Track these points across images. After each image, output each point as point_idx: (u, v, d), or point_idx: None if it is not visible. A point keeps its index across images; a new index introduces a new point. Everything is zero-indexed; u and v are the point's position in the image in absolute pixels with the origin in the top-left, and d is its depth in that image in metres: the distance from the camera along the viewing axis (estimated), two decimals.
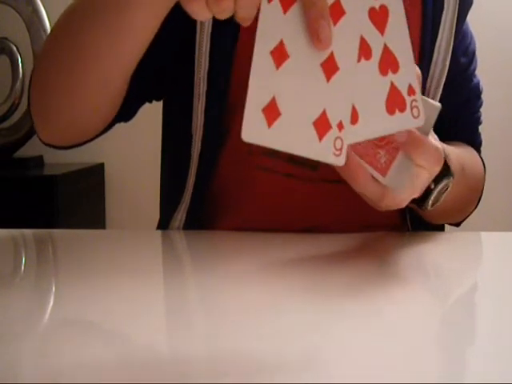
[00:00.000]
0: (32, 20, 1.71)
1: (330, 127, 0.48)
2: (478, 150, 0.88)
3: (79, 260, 0.65)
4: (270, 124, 0.46)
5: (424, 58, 0.79)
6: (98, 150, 1.89)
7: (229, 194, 0.78)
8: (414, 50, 0.51)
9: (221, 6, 0.47)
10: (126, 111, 0.74)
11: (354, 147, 0.59)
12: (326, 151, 0.48)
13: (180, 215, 0.78)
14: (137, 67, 0.68)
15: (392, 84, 0.50)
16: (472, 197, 0.85)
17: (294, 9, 0.47)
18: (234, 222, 0.78)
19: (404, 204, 0.63)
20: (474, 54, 0.87)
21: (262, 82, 0.46)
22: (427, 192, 0.66)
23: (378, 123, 0.51)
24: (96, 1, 0.66)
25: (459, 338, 0.44)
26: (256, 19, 0.47)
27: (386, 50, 0.50)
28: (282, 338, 0.42)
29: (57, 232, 0.86)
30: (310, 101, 0.48)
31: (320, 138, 0.48)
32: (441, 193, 0.67)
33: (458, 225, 0.87)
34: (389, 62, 0.50)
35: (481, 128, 0.89)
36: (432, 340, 0.44)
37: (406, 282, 0.56)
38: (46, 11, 1.72)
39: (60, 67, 0.69)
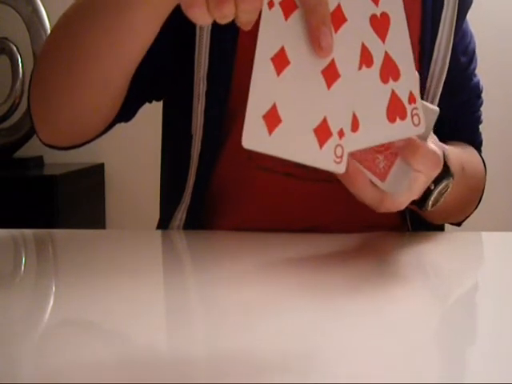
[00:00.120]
0: (32, 20, 1.71)
1: (330, 135, 0.48)
2: (479, 150, 0.88)
3: (79, 260, 0.65)
4: (270, 131, 0.46)
5: (424, 56, 0.79)
6: (98, 150, 1.90)
7: (229, 193, 0.78)
8: (413, 49, 0.51)
9: (222, 12, 0.47)
10: (126, 111, 0.74)
11: (352, 152, 0.59)
12: (326, 159, 0.48)
13: (180, 215, 0.78)
14: (137, 67, 0.68)
15: (393, 92, 0.50)
16: (473, 196, 0.85)
17: (296, 15, 0.47)
18: (234, 221, 0.78)
19: (403, 207, 0.63)
20: (473, 53, 0.87)
21: (263, 88, 0.46)
22: (427, 193, 0.66)
23: (378, 131, 0.51)
24: (96, 1, 0.66)
25: (460, 338, 0.44)
26: (257, 22, 0.47)
27: (387, 58, 0.50)
28: (283, 337, 0.42)
29: (57, 232, 0.86)
30: (310, 108, 0.48)
31: (321, 146, 0.48)
32: (441, 193, 0.67)
33: (459, 224, 0.87)
34: (390, 70, 0.50)
35: (481, 127, 0.89)
36: (433, 340, 0.44)
37: (406, 282, 0.56)
38: (46, 11, 1.72)
39: (60, 67, 0.69)
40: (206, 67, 0.74)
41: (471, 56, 0.87)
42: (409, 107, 0.51)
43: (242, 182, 0.77)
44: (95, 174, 1.91)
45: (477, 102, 0.88)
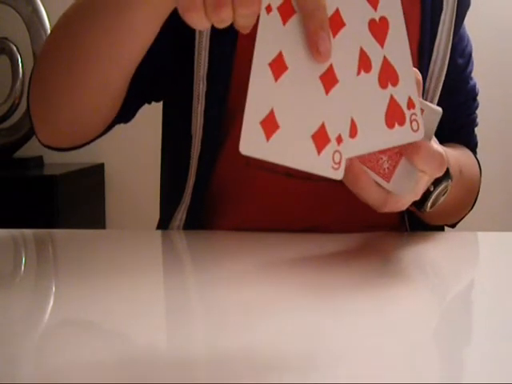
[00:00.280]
0: (32, 20, 1.71)
1: (328, 140, 0.48)
2: (474, 152, 0.88)
3: (79, 260, 0.65)
4: (268, 137, 0.46)
5: (423, 57, 0.79)
6: (98, 150, 1.90)
7: (228, 193, 0.78)
8: (412, 51, 0.51)
9: (220, 16, 0.47)
10: (126, 112, 0.74)
11: (364, 155, 0.59)
12: (324, 165, 0.48)
13: (180, 215, 0.78)
14: (137, 68, 0.68)
15: (391, 97, 0.50)
16: (468, 198, 0.85)
17: (294, 20, 0.47)
18: (234, 221, 0.78)
19: (405, 207, 0.63)
20: (470, 56, 0.88)
21: (261, 94, 0.46)
22: (426, 194, 0.66)
23: (377, 137, 0.50)
24: (96, 1, 0.66)
25: (460, 338, 0.44)
26: (256, 25, 0.47)
27: (386, 63, 0.50)
28: (283, 337, 0.43)
29: (57, 232, 0.86)
30: (308, 113, 0.47)
31: (319, 152, 0.47)
32: (440, 195, 0.67)
33: (453, 226, 0.88)
34: (388, 75, 0.50)
35: (477, 130, 0.89)
36: (433, 340, 0.45)
37: (405, 282, 0.56)
38: (46, 11, 1.72)
39: (60, 67, 0.69)
40: (206, 68, 0.74)
41: (468, 59, 0.87)
42: (407, 113, 0.50)
43: (241, 181, 0.77)
44: (95, 174, 1.91)
45: (473, 104, 0.88)
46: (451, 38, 0.80)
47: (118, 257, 0.66)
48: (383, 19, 0.49)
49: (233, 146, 0.76)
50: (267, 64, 0.46)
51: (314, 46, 0.46)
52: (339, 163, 0.48)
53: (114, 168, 1.94)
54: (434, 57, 0.79)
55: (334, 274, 0.58)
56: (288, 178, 0.75)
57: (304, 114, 0.47)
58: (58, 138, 0.76)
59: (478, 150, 0.90)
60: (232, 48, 0.73)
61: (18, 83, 1.75)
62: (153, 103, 0.82)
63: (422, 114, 0.59)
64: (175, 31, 0.69)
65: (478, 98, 0.89)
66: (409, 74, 0.50)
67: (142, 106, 0.79)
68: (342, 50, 0.48)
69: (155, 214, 0.87)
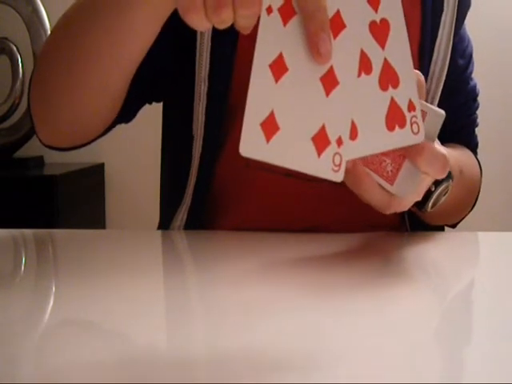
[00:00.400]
0: (32, 20, 1.71)
1: (328, 143, 0.47)
2: (475, 152, 0.88)
3: (79, 260, 0.65)
4: (268, 139, 0.45)
5: (424, 58, 0.79)
6: (98, 150, 1.90)
7: (229, 193, 0.78)
8: (413, 52, 0.51)
9: (220, 17, 0.46)
10: (126, 113, 0.74)
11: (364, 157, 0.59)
12: (324, 167, 0.47)
13: (181, 215, 0.78)
14: (137, 68, 0.68)
15: (392, 99, 0.50)
16: (469, 199, 0.85)
17: (294, 21, 0.47)
18: (234, 221, 0.78)
19: (407, 208, 0.63)
20: (471, 56, 0.88)
21: (261, 95, 0.45)
22: (427, 194, 0.66)
23: (377, 139, 0.50)
24: (97, 1, 0.66)
25: (460, 338, 0.44)
26: (256, 26, 0.47)
27: (387, 65, 0.49)
28: (283, 337, 0.43)
29: (57, 232, 0.86)
30: (308, 115, 0.47)
31: (319, 154, 0.47)
32: (440, 195, 0.67)
33: (453, 226, 0.88)
34: (389, 77, 0.49)
35: (477, 130, 0.90)
36: (434, 340, 0.45)
37: (406, 282, 0.56)
38: (46, 11, 1.72)
39: (60, 67, 0.69)
40: (207, 68, 0.74)
41: (468, 59, 0.87)
42: (408, 115, 0.50)
43: (241, 182, 0.77)
44: (95, 174, 1.91)
45: (473, 105, 0.88)
46: (452, 38, 0.80)
47: (117, 257, 0.66)
48: (384, 21, 0.49)
49: (233, 147, 0.76)
50: (267, 65, 0.46)
51: (315, 48, 0.46)
52: (339, 165, 0.48)
53: (114, 168, 1.94)
54: (434, 58, 0.79)
55: (334, 274, 0.58)
56: (288, 178, 0.75)
57: (304, 116, 0.47)
58: (59, 138, 0.76)
59: (478, 150, 0.90)
60: (233, 48, 0.73)
61: (18, 83, 1.75)
62: (153, 103, 0.82)
63: (425, 116, 0.59)
64: (175, 32, 0.70)
65: (478, 98, 0.89)
66: (409, 76, 0.50)
67: (142, 106, 0.79)
68: (343, 52, 0.48)
69: (155, 214, 0.87)
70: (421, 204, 0.67)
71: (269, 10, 0.46)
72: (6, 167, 1.73)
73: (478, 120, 0.90)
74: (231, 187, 0.78)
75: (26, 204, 1.62)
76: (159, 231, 0.83)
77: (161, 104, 0.85)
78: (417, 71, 0.60)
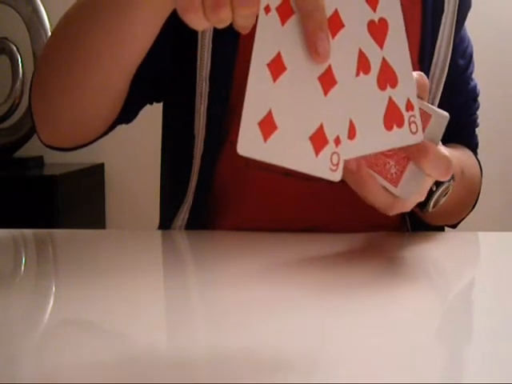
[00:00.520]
0: (32, 20, 1.71)
1: (326, 142, 0.47)
2: (475, 152, 0.88)
3: (79, 260, 0.65)
4: (266, 138, 0.45)
5: (424, 59, 0.79)
6: (98, 150, 1.90)
7: (229, 193, 0.78)
8: (413, 52, 0.51)
9: (219, 16, 0.47)
10: (127, 113, 0.74)
11: (362, 157, 0.59)
12: (322, 166, 0.47)
13: (183, 215, 0.78)
14: (138, 69, 0.68)
15: (390, 99, 0.50)
16: (469, 199, 0.85)
17: (292, 21, 0.46)
18: (234, 221, 0.78)
19: (410, 209, 0.64)
20: (471, 56, 0.88)
21: (259, 94, 0.45)
22: (429, 194, 0.66)
23: (375, 139, 0.50)
24: (97, 2, 0.66)
25: (461, 338, 0.44)
26: (256, 25, 0.47)
27: (385, 64, 0.49)
28: (284, 337, 0.43)
29: (57, 232, 0.86)
30: (306, 115, 0.47)
31: (316, 153, 0.47)
32: (442, 195, 0.67)
33: (454, 226, 0.88)
34: (387, 77, 0.49)
35: (477, 130, 0.90)
36: (434, 340, 0.45)
37: (407, 282, 0.56)
38: (46, 11, 1.72)
39: (60, 68, 0.69)
40: (209, 68, 0.74)
41: (469, 59, 0.87)
42: (406, 115, 0.50)
43: (242, 181, 0.77)
44: (95, 174, 1.91)
45: (473, 105, 0.88)
46: (452, 39, 0.80)
47: (117, 257, 0.66)
48: (382, 20, 0.49)
49: (233, 145, 0.76)
50: (265, 64, 0.46)
51: (313, 47, 0.46)
52: (337, 165, 0.48)
53: (114, 168, 1.94)
54: (434, 59, 0.79)
55: (334, 274, 0.58)
56: (287, 177, 0.75)
57: (302, 115, 0.47)
58: (59, 138, 0.76)
59: (478, 150, 0.90)
60: (234, 48, 0.74)
61: (18, 83, 1.75)
62: (154, 104, 0.82)
63: (429, 119, 0.59)
64: (176, 31, 0.70)
65: (479, 98, 0.89)
66: (408, 75, 0.50)
67: (143, 106, 0.79)
68: (341, 51, 0.48)
69: (155, 214, 0.87)
70: (422, 204, 0.67)
71: (267, 9, 0.46)
72: (6, 167, 1.73)
73: (479, 120, 0.90)
74: (231, 187, 0.78)
75: (26, 204, 1.62)
76: (159, 231, 0.83)
77: (161, 104, 0.85)
78: (421, 73, 0.60)
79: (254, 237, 0.73)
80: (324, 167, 0.47)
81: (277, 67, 0.46)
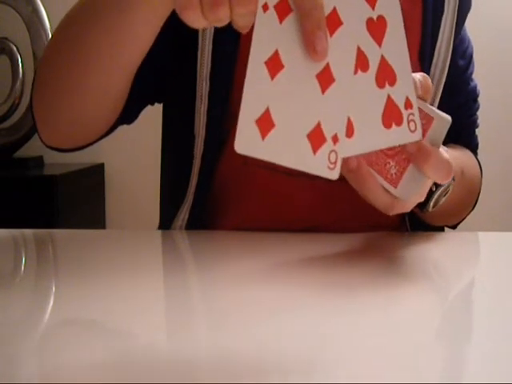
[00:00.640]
0: (32, 20, 1.71)
1: (324, 140, 0.47)
2: (475, 153, 0.88)
3: (79, 260, 0.65)
4: (263, 136, 0.45)
5: (424, 60, 0.79)
6: (98, 150, 1.90)
7: (229, 193, 0.78)
8: (413, 52, 0.51)
9: (217, 15, 0.47)
10: (128, 114, 0.74)
11: (363, 156, 0.59)
12: (320, 164, 0.47)
13: (183, 215, 0.78)
14: (138, 69, 0.68)
15: (389, 97, 0.50)
16: (469, 199, 0.85)
17: (290, 19, 0.46)
18: (235, 221, 0.78)
19: (409, 209, 0.64)
20: (471, 57, 0.88)
21: (256, 92, 0.45)
22: (428, 194, 0.66)
23: (373, 137, 0.50)
24: (97, 2, 0.66)
25: (461, 338, 0.44)
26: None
27: (384, 62, 0.49)
28: (284, 337, 0.43)
29: (57, 232, 0.86)
30: (304, 112, 0.47)
31: (314, 151, 0.47)
32: (441, 196, 0.67)
33: (454, 227, 0.88)
34: (386, 74, 0.49)
35: (477, 131, 0.90)
36: (434, 340, 0.45)
37: (407, 282, 0.56)
38: (46, 11, 1.72)
39: (61, 69, 0.69)
40: (209, 68, 0.74)
41: (469, 60, 0.87)
42: (405, 113, 0.50)
43: (242, 180, 0.77)
44: (95, 173, 1.91)
45: (473, 105, 0.88)
46: (452, 40, 0.80)
47: (117, 257, 0.66)
48: (381, 18, 0.49)
49: (233, 145, 0.76)
50: (263, 62, 0.45)
51: (311, 46, 0.46)
52: (335, 163, 0.48)
53: (114, 168, 1.94)
54: (434, 60, 0.79)
55: (334, 274, 0.58)
56: (288, 176, 0.75)
57: (300, 113, 0.47)
58: (60, 139, 0.76)
59: (478, 150, 0.90)
60: (234, 47, 0.74)
61: (18, 83, 1.75)
62: (155, 104, 0.82)
63: (431, 122, 0.59)
64: (176, 31, 0.69)
65: (479, 98, 0.89)
66: (406, 73, 0.50)
67: (144, 107, 0.79)
68: (339, 49, 0.48)
69: (155, 214, 0.87)
70: (422, 204, 0.67)
71: (265, 7, 0.46)
72: (6, 167, 1.73)
73: (479, 121, 0.90)
74: (231, 187, 0.78)
75: (26, 204, 1.62)
76: (159, 231, 0.83)
77: (161, 104, 0.85)
78: (424, 74, 0.60)
79: (254, 237, 0.73)
80: (322, 165, 0.47)
81: (274, 65, 0.46)
